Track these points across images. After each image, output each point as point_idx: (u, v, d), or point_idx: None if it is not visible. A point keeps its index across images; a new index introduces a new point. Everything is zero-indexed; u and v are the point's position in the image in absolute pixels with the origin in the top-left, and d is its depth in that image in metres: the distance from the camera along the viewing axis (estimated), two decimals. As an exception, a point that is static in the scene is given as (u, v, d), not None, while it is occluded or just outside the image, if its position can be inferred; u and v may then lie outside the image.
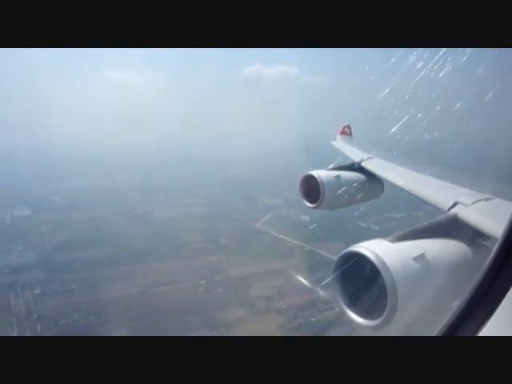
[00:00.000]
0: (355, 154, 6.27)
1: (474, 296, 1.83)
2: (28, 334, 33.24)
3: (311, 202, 5.49)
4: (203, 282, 43.19)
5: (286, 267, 45.62)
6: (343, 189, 5.34)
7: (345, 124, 7.96)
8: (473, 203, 3.21)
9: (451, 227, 2.98)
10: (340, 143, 7.38)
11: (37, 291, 40.07)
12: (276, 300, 39.88)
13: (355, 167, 5.82)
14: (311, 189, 5.43)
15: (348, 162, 6.06)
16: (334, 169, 5.70)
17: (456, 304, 1.87)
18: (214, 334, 34.03)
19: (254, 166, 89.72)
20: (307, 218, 55.49)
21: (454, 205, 3.30)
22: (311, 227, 52.38)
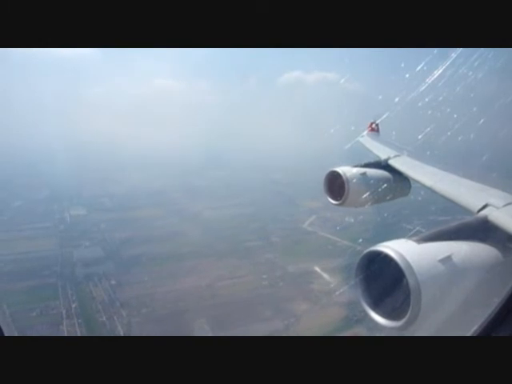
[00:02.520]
0: (382, 152, 6.13)
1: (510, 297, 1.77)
2: (115, 320, 36.01)
3: (335, 199, 5.44)
4: (264, 276, 45.44)
5: (339, 266, 47.38)
6: (368, 186, 5.29)
7: (372, 121, 7.78)
8: (504, 205, 3.08)
9: (481, 230, 2.87)
10: (367, 140, 7.20)
11: (113, 282, 42.97)
12: (337, 295, 41.62)
13: (382, 165, 5.68)
14: (336, 185, 5.38)
15: (374, 160, 5.97)
16: (359, 166, 5.63)
17: (486, 307, 1.87)
18: (285, 323, 36.20)
19: (292, 170, 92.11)
20: (352, 220, 57.22)
21: (485, 207, 3.17)
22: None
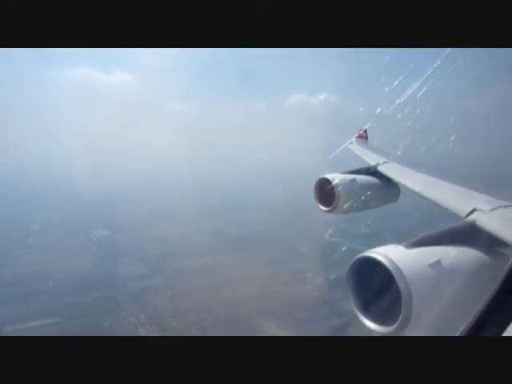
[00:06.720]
0: (371, 158, 6.19)
1: (496, 296, 1.89)
2: (187, 324, 37.87)
3: (325, 206, 5.44)
4: (308, 282, 48.62)
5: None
6: (358, 192, 5.34)
7: (362, 128, 7.89)
8: (491, 210, 3.08)
9: (469, 234, 2.87)
10: (356, 147, 7.24)
11: (168, 293, 44.86)
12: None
13: (371, 171, 5.75)
14: (326, 192, 5.40)
15: (363, 166, 6.01)
16: (348, 172, 5.67)
17: (474, 309, 1.90)
18: (343, 320, 39.22)
19: (295, 186, 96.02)
20: (367, 231, 61.24)
21: (472, 211, 3.16)
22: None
